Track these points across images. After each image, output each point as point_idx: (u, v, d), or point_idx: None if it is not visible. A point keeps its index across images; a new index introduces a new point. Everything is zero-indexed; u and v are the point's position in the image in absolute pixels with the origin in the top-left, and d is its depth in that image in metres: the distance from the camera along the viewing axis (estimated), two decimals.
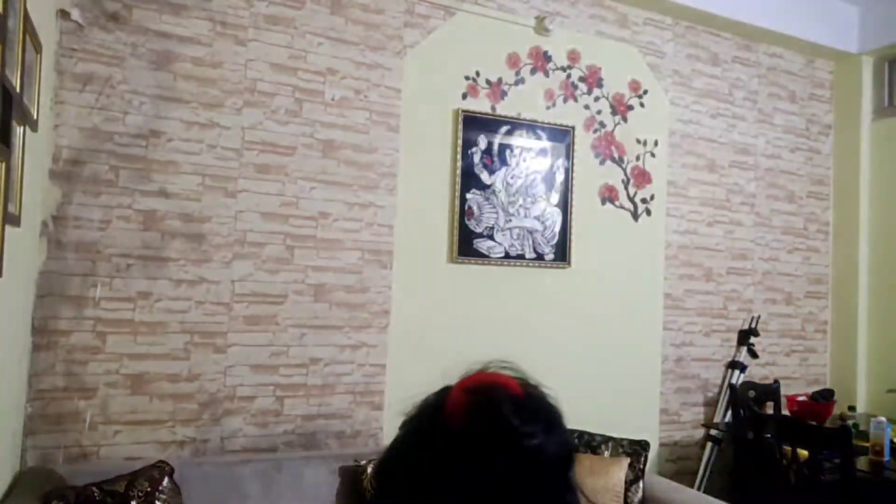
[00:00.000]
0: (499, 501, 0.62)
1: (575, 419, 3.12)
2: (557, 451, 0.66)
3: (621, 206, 3.38)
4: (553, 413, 0.72)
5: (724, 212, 3.70)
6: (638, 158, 3.43)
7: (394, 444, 0.72)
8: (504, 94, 3.11)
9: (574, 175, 3.22)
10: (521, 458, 0.64)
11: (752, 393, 3.50)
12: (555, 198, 3.18)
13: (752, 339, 3.72)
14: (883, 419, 2.84)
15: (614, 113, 3.37)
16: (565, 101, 3.25)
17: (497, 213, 3.05)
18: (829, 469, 2.63)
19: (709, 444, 3.54)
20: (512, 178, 3.09)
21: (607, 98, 3.35)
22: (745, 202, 3.77)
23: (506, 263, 3.07)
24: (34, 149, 1.98)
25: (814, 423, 2.97)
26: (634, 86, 3.43)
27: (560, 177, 3.20)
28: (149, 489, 1.99)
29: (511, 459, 0.63)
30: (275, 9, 2.65)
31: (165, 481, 2.05)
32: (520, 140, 3.11)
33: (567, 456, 0.68)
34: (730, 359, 3.68)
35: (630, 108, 3.41)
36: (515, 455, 0.63)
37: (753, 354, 3.72)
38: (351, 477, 2.43)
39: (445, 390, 0.72)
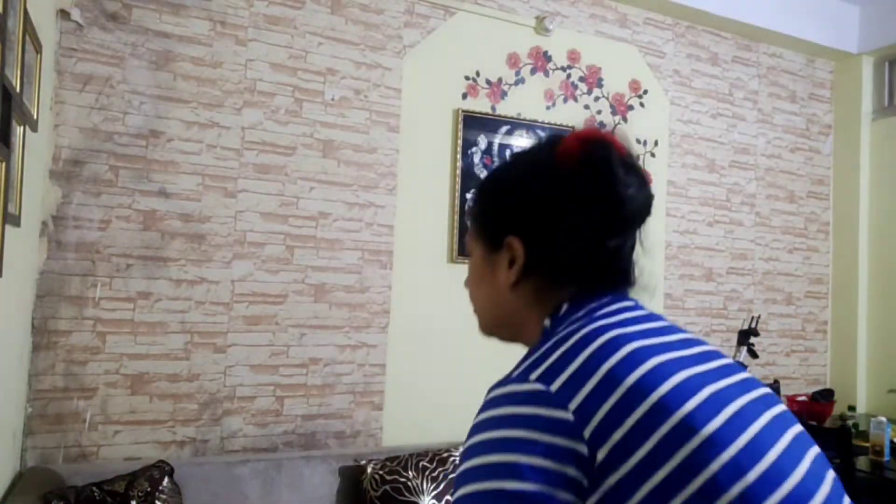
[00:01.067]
0: (596, 230, 0.80)
1: None
2: (644, 201, 0.84)
3: None
4: (644, 174, 0.85)
5: (724, 212, 3.70)
6: (638, 158, 3.42)
7: (502, 171, 0.88)
8: (504, 94, 3.11)
9: None
10: (618, 203, 0.80)
11: None
12: None
13: (752, 339, 3.71)
14: (883, 419, 2.84)
15: (614, 113, 3.37)
16: (565, 101, 3.25)
17: None
18: None
19: None
20: None
21: (607, 98, 3.35)
22: (745, 202, 3.77)
23: None
24: (34, 149, 1.98)
25: (814, 423, 2.97)
26: (634, 86, 3.43)
27: None
28: (149, 489, 1.99)
29: (609, 202, 0.79)
30: (275, 9, 2.65)
31: (165, 481, 2.05)
32: (520, 140, 3.11)
33: (649, 207, 0.86)
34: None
35: (630, 108, 3.41)
36: (615, 198, 0.79)
37: (753, 354, 3.72)
38: (351, 477, 2.43)
39: (558, 137, 0.82)
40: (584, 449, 0.61)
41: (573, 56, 3.28)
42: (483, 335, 0.98)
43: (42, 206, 2.26)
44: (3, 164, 1.50)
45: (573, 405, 0.64)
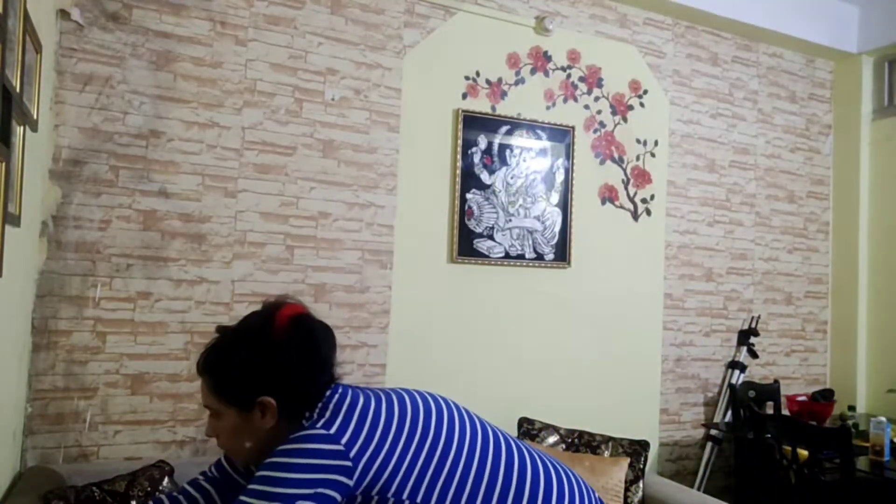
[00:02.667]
0: (304, 376, 1.17)
1: (575, 419, 3.12)
2: (333, 351, 1.25)
3: (621, 206, 3.38)
4: (328, 329, 1.25)
5: (724, 212, 3.70)
6: (638, 158, 3.43)
7: (225, 344, 1.21)
8: (504, 94, 3.11)
9: (574, 175, 3.22)
10: (318, 355, 1.20)
11: (752, 393, 3.50)
12: (555, 198, 3.18)
13: (752, 339, 3.72)
14: (883, 419, 2.84)
15: (614, 113, 3.37)
16: (565, 101, 3.25)
17: (497, 213, 3.05)
18: (829, 469, 2.63)
19: (709, 444, 3.54)
20: (512, 178, 3.09)
21: (607, 98, 3.35)
22: (745, 202, 3.77)
23: (506, 263, 3.07)
24: (34, 149, 1.98)
25: (814, 423, 2.97)
26: (634, 86, 3.43)
27: (560, 177, 3.20)
28: (149, 489, 1.99)
29: (314, 356, 1.20)
30: (275, 9, 2.65)
31: (165, 481, 2.05)
32: (520, 140, 3.11)
33: (335, 351, 1.26)
34: (730, 359, 3.68)
35: (630, 108, 3.41)
36: (316, 353, 1.20)
37: (753, 354, 3.72)
38: None
39: (271, 316, 1.19)
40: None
41: (573, 56, 3.28)
42: (244, 465, 1.27)
43: (42, 206, 2.26)
44: (3, 164, 1.50)
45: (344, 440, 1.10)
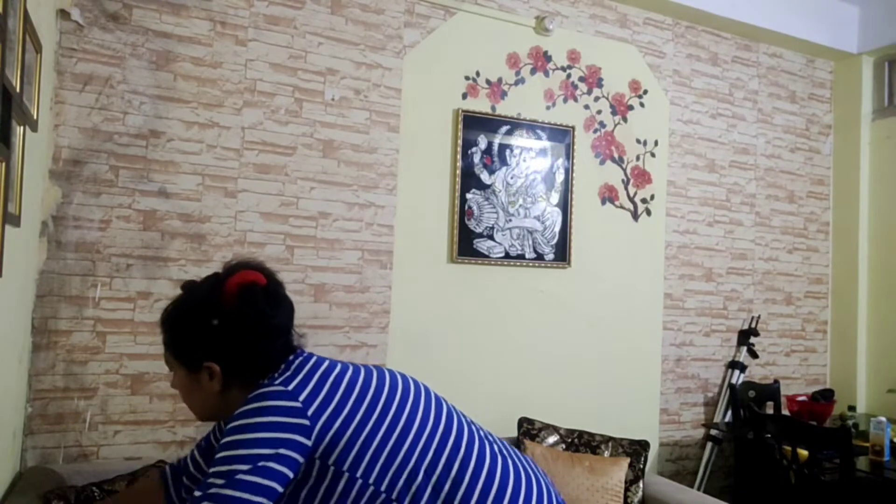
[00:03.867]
0: (249, 344, 1.18)
1: (575, 419, 3.13)
2: (286, 321, 1.24)
3: (621, 206, 3.38)
4: (283, 298, 1.25)
5: (723, 212, 3.70)
6: (638, 158, 3.43)
7: (184, 312, 1.25)
8: (504, 94, 3.11)
9: (574, 175, 3.22)
10: (265, 325, 1.19)
11: (752, 393, 3.50)
12: (555, 198, 3.18)
13: (752, 339, 3.72)
14: (883, 419, 2.84)
15: (614, 113, 3.37)
16: (565, 101, 3.25)
17: (497, 213, 3.05)
18: (829, 469, 2.63)
19: (709, 444, 3.54)
20: (512, 178, 3.09)
21: (607, 98, 3.35)
22: (745, 202, 3.77)
23: (506, 263, 3.07)
24: (34, 149, 1.98)
25: (814, 423, 2.97)
26: (634, 86, 3.43)
27: (560, 177, 3.20)
28: None
29: (260, 325, 1.18)
30: (275, 9, 2.65)
31: None
32: (520, 140, 3.11)
33: (291, 318, 1.25)
34: (730, 359, 3.68)
35: (630, 108, 3.41)
36: (263, 323, 1.18)
37: (753, 354, 3.72)
38: None
39: (220, 282, 1.21)
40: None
41: (573, 56, 3.28)
42: (201, 421, 1.31)
43: (42, 206, 2.26)
44: (3, 164, 1.50)
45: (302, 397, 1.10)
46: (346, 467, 1.08)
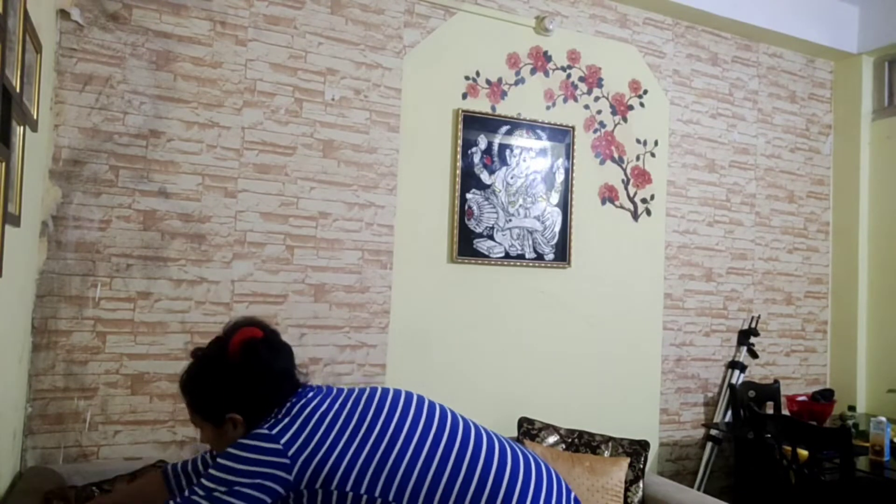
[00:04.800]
0: (260, 392, 1.35)
1: (575, 419, 3.13)
2: (287, 365, 1.41)
3: (621, 206, 3.38)
4: (281, 346, 1.45)
5: (724, 212, 3.70)
6: (638, 158, 3.43)
7: (194, 370, 1.42)
8: (504, 94, 3.11)
9: (574, 175, 3.22)
10: (271, 372, 1.37)
11: (752, 393, 3.50)
12: (555, 198, 3.18)
13: (752, 339, 3.72)
14: (883, 419, 2.84)
15: (614, 113, 3.37)
16: (565, 101, 3.25)
17: (497, 213, 3.05)
18: (829, 469, 2.63)
19: (709, 444, 3.54)
20: (512, 178, 3.09)
21: (607, 98, 3.35)
22: (745, 202, 3.77)
23: (506, 263, 3.07)
24: (34, 149, 1.98)
25: (814, 423, 2.97)
26: (634, 86, 3.43)
27: (560, 177, 3.20)
28: None
29: (266, 373, 1.36)
30: (275, 9, 2.65)
31: None
32: (520, 140, 3.11)
33: (291, 364, 1.43)
34: (730, 359, 3.68)
35: (630, 108, 3.41)
36: (268, 371, 1.37)
37: (753, 354, 3.72)
38: None
39: (224, 343, 1.39)
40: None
41: (573, 56, 3.28)
42: None
43: (42, 206, 2.26)
44: (3, 164, 1.50)
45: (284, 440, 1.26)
46: (333, 486, 1.22)
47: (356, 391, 1.39)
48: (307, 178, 2.69)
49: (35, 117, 1.92)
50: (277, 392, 1.35)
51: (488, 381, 3.01)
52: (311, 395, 1.36)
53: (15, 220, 1.73)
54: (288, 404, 1.33)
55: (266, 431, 1.26)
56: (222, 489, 1.21)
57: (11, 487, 1.98)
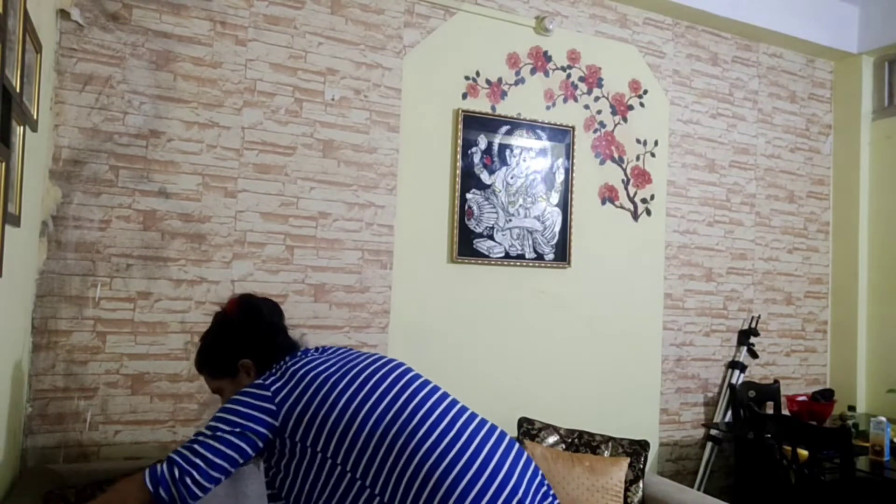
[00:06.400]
0: (263, 332, 1.59)
1: (575, 419, 3.12)
2: (275, 317, 1.64)
3: (621, 206, 3.38)
4: (265, 300, 1.68)
5: (724, 212, 3.70)
6: (638, 158, 3.43)
7: (202, 345, 1.64)
8: (504, 94, 3.11)
9: (574, 175, 3.22)
10: (266, 317, 1.62)
11: (752, 393, 3.50)
12: (555, 198, 3.18)
13: (752, 339, 3.72)
14: (883, 419, 2.84)
15: (614, 113, 3.37)
16: (565, 101, 3.25)
17: (497, 213, 3.05)
18: (829, 469, 2.63)
19: (709, 444, 3.54)
20: (512, 178, 3.09)
21: (607, 98, 3.35)
22: (745, 202, 3.77)
23: (506, 263, 3.07)
24: (34, 149, 1.98)
25: (814, 423, 2.97)
26: (634, 86, 3.43)
27: (560, 177, 3.20)
28: None
29: (262, 316, 1.61)
30: (275, 9, 2.65)
31: None
32: (520, 140, 3.11)
33: (279, 316, 1.66)
34: (730, 359, 3.69)
35: (630, 108, 3.41)
36: (263, 315, 1.61)
37: (753, 354, 3.72)
38: None
39: (224, 307, 1.64)
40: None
41: (573, 56, 3.28)
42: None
43: (42, 206, 2.26)
44: (3, 164, 1.50)
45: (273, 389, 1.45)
46: (308, 443, 1.37)
47: (353, 356, 1.54)
48: (307, 178, 2.69)
49: (35, 117, 1.92)
50: (276, 331, 1.59)
51: (488, 381, 3.01)
52: (308, 356, 1.53)
53: (15, 220, 1.73)
54: (284, 364, 1.50)
55: (261, 381, 1.46)
56: (208, 433, 1.38)
57: (11, 487, 1.98)
